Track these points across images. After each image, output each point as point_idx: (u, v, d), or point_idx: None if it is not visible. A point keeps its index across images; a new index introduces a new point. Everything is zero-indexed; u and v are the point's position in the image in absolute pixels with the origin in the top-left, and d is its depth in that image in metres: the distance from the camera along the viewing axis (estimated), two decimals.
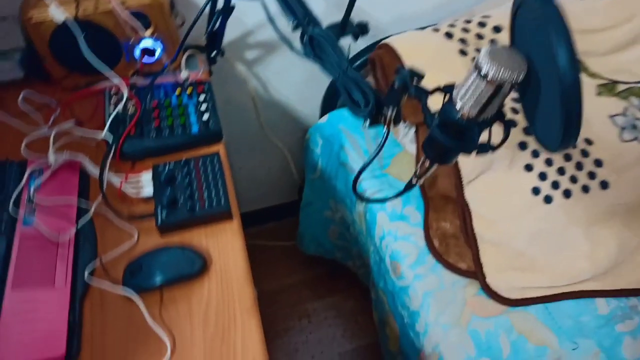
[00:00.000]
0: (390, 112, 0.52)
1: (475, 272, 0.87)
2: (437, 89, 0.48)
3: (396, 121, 0.53)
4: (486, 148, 0.46)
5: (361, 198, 0.70)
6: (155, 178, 0.69)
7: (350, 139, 1.10)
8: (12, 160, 0.68)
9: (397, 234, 0.94)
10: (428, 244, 0.91)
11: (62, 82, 0.81)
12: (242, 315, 0.59)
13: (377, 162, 1.05)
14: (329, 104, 1.20)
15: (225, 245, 0.65)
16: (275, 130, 1.21)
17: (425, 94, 0.48)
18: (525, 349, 0.78)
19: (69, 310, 0.56)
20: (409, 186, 0.58)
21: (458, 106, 0.45)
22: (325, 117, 1.16)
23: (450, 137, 0.46)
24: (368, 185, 1.01)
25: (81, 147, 0.74)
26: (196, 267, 0.61)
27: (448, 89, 0.47)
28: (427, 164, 0.53)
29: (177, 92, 0.80)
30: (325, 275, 1.47)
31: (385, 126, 0.53)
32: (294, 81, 1.15)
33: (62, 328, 0.54)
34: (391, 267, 0.93)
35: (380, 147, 0.54)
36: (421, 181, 0.56)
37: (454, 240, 0.91)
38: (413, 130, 0.97)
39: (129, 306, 0.59)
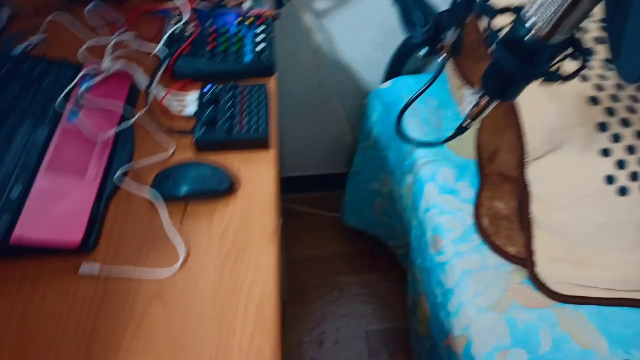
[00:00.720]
0: (451, 35, 0.46)
1: (525, 259, 0.78)
2: (507, 9, 0.42)
3: (456, 50, 0.48)
4: (555, 77, 0.40)
5: (404, 137, 0.64)
6: (200, 98, 0.68)
7: (411, 106, 1.04)
8: (69, 61, 0.69)
9: (444, 207, 0.87)
10: (476, 222, 0.84)
11: (131, 3, 0.82)
12: (262, 240, 0.56)
13: (436, 132, 0.98)
14: (394, 70, 1.14)
15: (257, 172, 0.63)
16: (334, 91, 1.18)
17: (492, 12, 0.42)
18: (568, 348, 0.69)
19: (94, 203, 0.56)
20: (460, 130, 0.52)
21: (529, 23, 0.38)
22: (389, 83, 1.11)
23: (515, 60, 0.40)
24: (421, 154, 0.95)
25: (136, 61, 0.74)
26: (224, 185, 0.59)
27: (518, 10, 0.41)
28: (484, 100, 0.47)
29: (237, 21, 0.78)
30: (365, 252, 1.42)
31: (443, 53, 0.48)
32: (361, 40, 1.10)
33: (83, 217, 0.54)
34: (432, 241, 0.87)
35: (436, 75, 0.48)
36: (475, 123, 0.50)
37: (506, 222, 0.83)
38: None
39: (152, 211, 0.58)
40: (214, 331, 0.49)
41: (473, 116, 0.49)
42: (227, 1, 0.83)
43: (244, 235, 0.57)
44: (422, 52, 0.50)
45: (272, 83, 0.74)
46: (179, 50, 0.72)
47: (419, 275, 0.96)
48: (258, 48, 0.74)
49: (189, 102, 0.69)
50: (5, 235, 0.50)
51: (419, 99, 1.04)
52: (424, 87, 0.50)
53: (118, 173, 0.59)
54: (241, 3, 0.83)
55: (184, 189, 0.58)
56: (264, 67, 0.74)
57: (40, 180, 0.55)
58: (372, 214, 1.25)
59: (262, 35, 0.76)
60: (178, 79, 0.73)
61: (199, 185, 0.59)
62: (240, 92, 0.69)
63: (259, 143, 0.65)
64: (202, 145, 0.64)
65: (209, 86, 0.69)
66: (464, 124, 0.50)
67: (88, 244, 0.54)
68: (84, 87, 0.66)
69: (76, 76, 0.67)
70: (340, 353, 1.24)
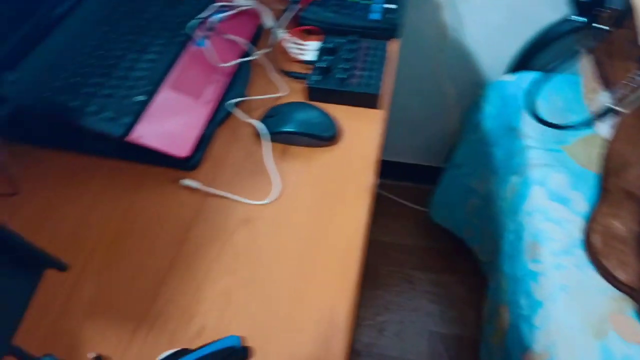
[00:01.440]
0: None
1: (636, 290, 0.69)
2: None
3: (619, 21, 0.42)
4: None
5: (537, 117, 0.58)
6: (321, 47, 0.67)
7: (533, 102, 0.96)
8: None
9: (550, 215, 0.80)
10: (586, 238, 0.75)
11: None
12: (356, 194, 0.55)
13: (555, 135, 0.90)
14: (521, 63, 1.06)
15: (362, 128, 0.61)
16: (449, 76, 1.12)
17: None
18: None
19: (205, 124, 0.58)
20: (602, 113, 0.46)
21: None
22: (513, 76, 1.03)
23: None
24: (535, 155, 0.88)
25: (269, 2, 0.76)
26: (329, 132, 0.58)
27: None
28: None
29: None
30: (445, 251, 1.35)
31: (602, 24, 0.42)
32: (490, 23, 1.03)
33: (193, 135, 0.56)
34: (528, 247, 0.80)
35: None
36: (624, 107, 0.44)
37: (621, 244, 0.73)
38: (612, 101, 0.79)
39: (255, 144, 0.59)
40: (291, 270, 0.49)
41: (622, 98, 0.42)
42: None
43: (339, 186, 0.55)
44: (576, 20, 0.44)
45: (394, 45, 0.71)
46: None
47: (504, 283, 0.89)
48: (388, 8, 0.72)
49: (308, 50, 0.69)
50: (125, 132, 0.53)
51: (543, 95, 0.96)
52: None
53: (232, 102, 0.61)
54: None
55: (289, 127, 0.58)
56: (389, 27, 0.71)
57: (162, 94, 0.58)
58: (463, 212, 1.19)
59: None
60: (303, 25, 0.73)
61: (304, 126, 0.58)
62: (359, 47, 0.67)
63: (369, 100, 0.63)
64: (314, 92, 0.63)
65: (331, 37, 0.68)
66: (615, 106, 0.44)
67: (193, 160, 0.56)
68: (216, 17, 0.69)
69: (211, 6, 0.70)
70: (399, 345, 1.20)
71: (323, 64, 0.63)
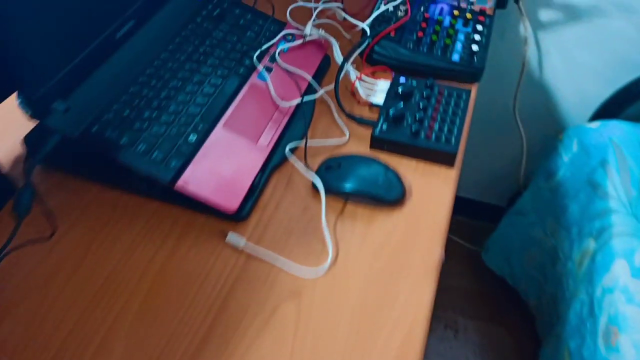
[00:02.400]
0: None
1: None
2: None
3: None
4: None
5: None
6: (391, 88, 0.61)
7: (620, 158, 0.85)
8: (274, 18, 0.67)
9: (634, 297, 0.69)
10: None
11: None
12: (419, 271, 0.48)
13: None
14: (609, 110, 0.94)
15: (432, 190, 0.54)
16: (525, 113, 1.02)
17: None
18: None
19: (259, 170, 0.52)
20: None
21: None
22: (597, 123, 0.92)
23: None
24: (620, 221, 0.77)
25: (335, 34, 0.70)
26: (393, 194, 0.52)
27: None
28: None
29: (454, 14, 0.69)
30: (496, 298, 1.25)
31: None
32: (580, 62, 0.93)
33: (245, 184, 0.51)
34: (604, 330, 0.70)
35: None
36: None
37: None
38: None
39: (309, 198, 0.53)
40: (344, 356, 0.42)
41: None
42: None
43: (401, 258, 0.49)
44: None
45: (474, 91, 0.64)
46: (384, 32, 0.65)
47: (566, 358, 0.79)
48: (471, 49, 0.64)
49: (378, 90, 0.62)
50: (172, 179, 0.48)
51: (633, 151, 0.85)
52: None
53: (289, 146, 0.55)
54: None
55: (349, 186, 0.51)
56: (472, 71, 0.64)
57: (217, 134, 0.53)
58: (521, 263, 1.08)
59: (478, 36, 0.66)
60: (374, 62, 0.66)
61: (366, 186, 0.52)
62: (438, 93, 0.60)
63: (444, 157, 0.55)
64: (379, 142, 0.57)
65: (404, 78, 0.61)
66: None
67: (242, 213, 0.50)
68: (281, 47, 0.63)
69: (277, 34, 0.64)
70: None
71: (393, 110, 0.57)
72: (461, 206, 1.35)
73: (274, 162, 0.55)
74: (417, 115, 0.57)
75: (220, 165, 0.51)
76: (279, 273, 0.48)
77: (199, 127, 0.53)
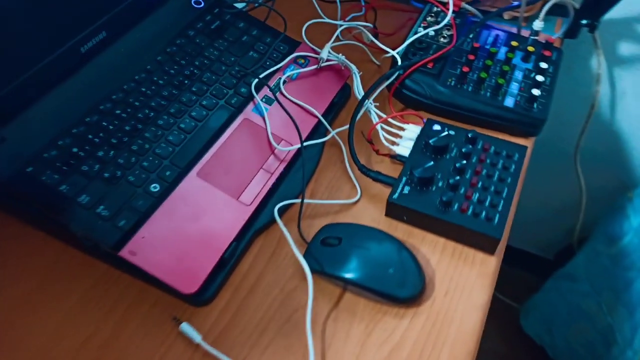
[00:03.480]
0: None
1: None
2: None
3: None
4: None
5: None
6: (421, 137, 0.47)
7: None
8: (286, 35, 0.55)
9: None
10: None
11: None
12: None
13: None
14: None
15: (462, 284, 0.40)
16: (587, 164, 0.86)
17: None
18: None
19: (235, 237, 0.40)
20: None
21: None
22: None
23: None
24: None
25: (360, 59, 0.57)
26: (407, 290, 0.38)
27: None
28: None
29: (511, 45, 0.54)
30: None
31: None
32: None
33: (211, 259, 0.39)
34: None
35: None
36: None
37: None
38: None
39: (298, 277, 0.41)
40: None
41: None
42: (494, 5, 0.60)
43: None
44: None
45: (529, 148, 0.49)
46: (419, 63, 0.52)
47: None
48: (531, 93, 0.49)
49: (404, 138, 0.49)
50: (117, 245, 0.37)
51: None
52: None
53: (279, 206, 0.43)
54: (527, 18, 0.59)
55: (349, 273, 0.38)
56: (530, 121, 0.49)
57: (188, 184, 0.42)
58: (566, 336, 0.92)
59: (541, 77, 0.51)
60: (404, 100, 0.53)
61: (372, 276, 0.39)
62: (482, 149, 0.46)
63: (482, 241, 0.41)
64: (397, 210, 0.43)
65: (438, 125, 0.48)
66: None
67: (204, 296, 0.38)
68: (288, 73, 0.51)
69: (287, 57, 0.52)
70: None
71: (420, 171, 0.43)
72: (507, 256, 1.19)
73: (258, 225, 0.43)
74: (451, 180, 0.43)
75: (185, 229, 0.39)
76: None
77: (165, 173, 0.41)
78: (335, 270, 0.39)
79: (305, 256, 0.40)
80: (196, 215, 0.40)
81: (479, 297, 0.40)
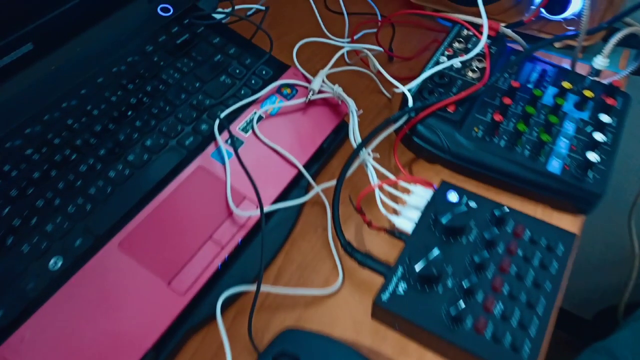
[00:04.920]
0: None
1: None
2: None
3: None
4: None
5: None
6: (430, 207, 0.35)
7: None
8: (272, 56, 0.43)
9: None
10: None
11: None
12: None
13: None
14: None
15: None
16: None
17: None
18: None
19: (153, 345, 0.29)
20: None
21: None
22: None
23: None
24: None
25: (368, 89, 0.45)
26: None
27: None
28: None
29: (562, 86, 0.41)
30: None
31: None
32: None
33: None
34: None
35: None
36: None
37: None
38: None
39: None
40: None
41: None
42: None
43: None
44: None
45: (577, 230, 0.37)
46: (436, 105, 0.39)
47: None
48: (587, 158, 0.37)
49: (409, 205, 0.37)
50: None
51: None
52: None
53: (224, 297, 0.31)
54: (585, 47, 0.46)
55: None
56: (582, 195, 0.37)
57: (103, 259, 0.31)
58: None
59: (601, 136, 0.38)
60: (413, 150, 0.41)
61: None
62: (512, 234, 0.34)
63: None
64: (385, 316, 0.31)
65: (455, 193, 0.36)
66: None
67: None
68: (266, 107, 0.40)
69: (268, 84, 0.41)
70: None
71: (422, 265, 0.31)
72: None
73: (195, 319, 0.31)
74: (466, 282, 0.31)
75: (85, 326, 0.28)
76: None
77: (74, 243, 0.31)
78: None
79: None
80: (107, 307, 0.29)
81: None
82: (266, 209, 0.35)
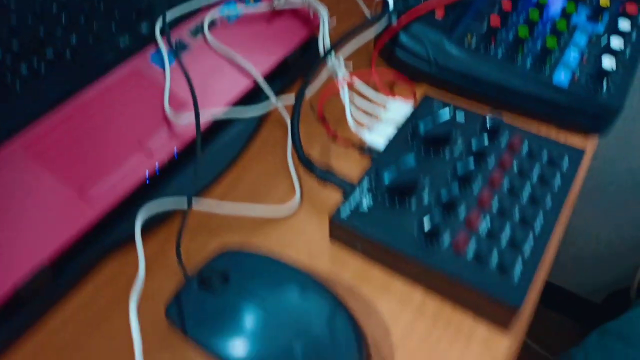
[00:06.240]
0: None
1: None
2: None
3: None
4: None
5: None
6: (410, 121, 0.29)
7: None
8: None
9: None
10: None
11: None
12: None
13: None
14: None
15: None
16: None
17: None
18: None
19: (50, 260, 0.23)
20: None
21: None
22: None
23: None
24: None
25: (350, 10, 0.39)
26: None
27: None
28: None
29: None
30: None
31: None
32: None
33: (7, 280, 0.22)
34: None
35: None
36: None
37: None
38: None
39: (156, 342, 0.24)
40: None
41: None
42: None
43: None
44: None
45: (589, 151, 0.30)
46: (423, 7, 0.33)
47: None
48: (602, 67, 0.30)
49: (384, 120, 0.31)
50: None
51: None
52: None
53: (143, 213, 0.25)
54: None
55: (220, 346, 0.21)
56: (595, 110, 0.30)
57: (4, 162, 0.25)
58: None
59: (618, 41, 0.32)
60: (395, 65, 0.35)
61: (263, 354, 0.21)
62: (506, 147, 0.27)
63: (490, 307, 0.23)
64: (345, 236, 0.25)
65: (440, 105, 0.29)
66: None
67: None
68: (223, 12, 0.34)
69: None
70: None
71: (391, 171, 0.25)
72: (553, 297, 0.98)
73: (109, 241, 0.26)
74: (444, 195, 0.24)
75: None
76: None
77: None
78: (201, 333, 0.21)
79: (172, 303, 0.23)
80: (13, 218, 0.24)
81: None
82: (207, 116, 0.29)
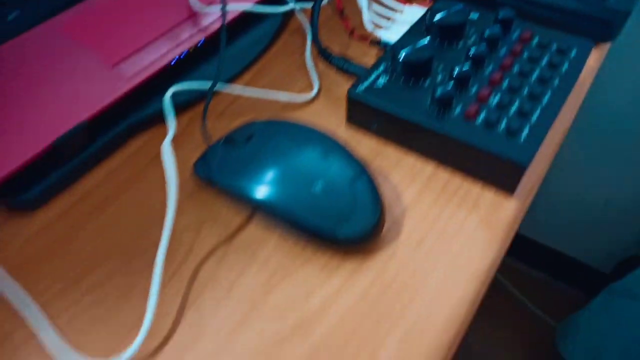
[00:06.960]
0: None
1: None
2: None
3: None
4: None
5: None
6: (425, 16, 0.30)
7: None
8: None
9: None
10: None
11: None
12: None
13: None
14: None
15: (453, 234, 0.23)
16: None
17: None
18: None
19: (83, 122, 0.25)
20: None
21: None
22: None
23: None
24: None
25: None
26: (349, 227, 0.22)
27: None
28: None
29: None
30: None
31: None
32: None
33: (37, 143, 0.24)
34: None
35: None
36: None
37: None
38: None
39: (182, 196, 0.25)
40: None
41: None
42: None
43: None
44: None
45: (597, 54, 0.31)
46: None
47: None
48: None
49: (398, 21, 0.32)
50: None
51: None
52: None
53: (175, 89, 0.27)
54: None
55: (256, 190, 0.22)
56: (602, 15, 0.31)
57: (40, 35, 0.27)
58: None
59: None
60: None
61: (298, 199, 0.22)
62: (518, 39, 0.29)
63: (497, 170, 0.24)
64: (361, 114, 0.27)
65: (454, 2, 0.31)
66: None
67: (21, 197, 0.24)
68: None
69: None
70: None
71: (407, 50, 0.26)
72: (541, 258, 0.99)
73: (142, 114, 0.27)
74: (457, 69, 0.26)
75: (19, 94, 0.25)
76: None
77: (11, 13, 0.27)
78: (227, 179, 0.23)
79: (200, 160, 0.24)
80: (44, 78, 0.25)
81: (477, 259, 0.23)
82: (233, 9, 0.30)
